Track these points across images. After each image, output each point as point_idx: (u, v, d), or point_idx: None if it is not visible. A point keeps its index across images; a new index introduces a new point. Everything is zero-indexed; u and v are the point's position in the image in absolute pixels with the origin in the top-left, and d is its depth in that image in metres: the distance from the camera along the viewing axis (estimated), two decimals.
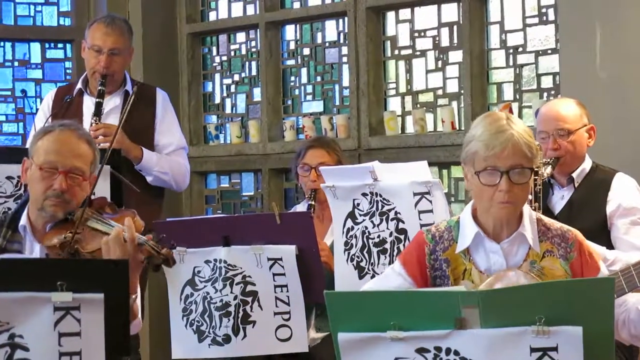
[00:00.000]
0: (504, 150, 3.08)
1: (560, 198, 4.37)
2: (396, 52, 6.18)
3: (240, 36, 6.90)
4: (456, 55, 5.93)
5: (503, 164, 3.09)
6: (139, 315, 3.63)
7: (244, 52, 6.88)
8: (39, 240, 3.58)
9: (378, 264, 4.13)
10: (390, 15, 6.21)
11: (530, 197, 3.70)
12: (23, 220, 3.61)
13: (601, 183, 4.30)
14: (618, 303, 3.15)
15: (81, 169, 3.57)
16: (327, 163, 4.74)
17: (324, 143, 4.96)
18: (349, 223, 4.20)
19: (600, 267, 3.21)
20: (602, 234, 4.18)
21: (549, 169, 4.25)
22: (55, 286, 2.80)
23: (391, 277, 3.31)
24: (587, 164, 4.37)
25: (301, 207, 4.99)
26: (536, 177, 3.98)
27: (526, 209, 3.22)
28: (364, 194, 4.16)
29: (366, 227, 4.16)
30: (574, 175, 4.34)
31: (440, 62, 6.01)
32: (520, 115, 5.67)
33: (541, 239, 3.20)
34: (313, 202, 4.74)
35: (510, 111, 5.56)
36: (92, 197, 3.64)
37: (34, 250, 3.59)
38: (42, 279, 2.80)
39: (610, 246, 4.17)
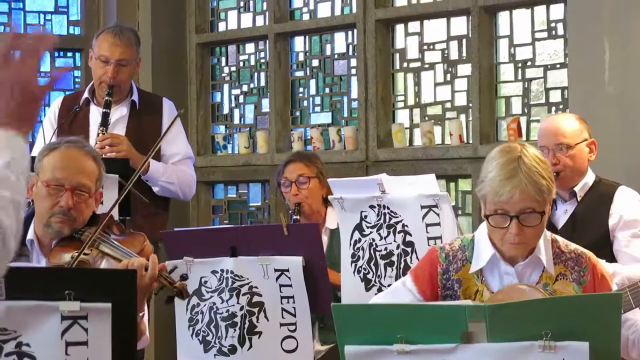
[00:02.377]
0: (511, 197, 3.04)
1: (563, 213, 4.35)
2: (405, 64, 6.19)
3: (250, 47, 6.91)
4: (465, 69, 5.93)
5: (512, 208, 3.05)
6: (147, 332, 3.64)
7: (252, 62, 6.89)
8: (45, 255, 3.58)
9: (385, 276, 4.13)
10: (400, 28, 6.21)
11: None
12: (30, 235, 3.60)
13: (603, 196, 4.28)
14: (629, 324, 3.15)
15: (87, 185, 3.57)
16: (306, 174, 4.92)
17: (302, 156, 5.11)
18: (356, 235, 4.20)
19: (613, 289, 3.20)
20: (605, 248, 4.16)
21: None
22: (63, 295, 2.81)
23: (401, 291, 3.29)
24: (589, 178, 4.35)
25: None
26: None
27: None
28: (372, 206, 4.16)
29: (373, 240, 4.16)
30: (576, 189, 4.32)
31: (449, 75, 6.02)
32: (528, 129, 5.67)
33: (555, 262, 3.18)
34: (298, 217, 4.81)
35: (519, 125, 5.56)
36: (99, 212, 3.67)
37: (40, 264, 3.58)
38: (50, 287, 2.81)
39: (613, 259, 4.16)
